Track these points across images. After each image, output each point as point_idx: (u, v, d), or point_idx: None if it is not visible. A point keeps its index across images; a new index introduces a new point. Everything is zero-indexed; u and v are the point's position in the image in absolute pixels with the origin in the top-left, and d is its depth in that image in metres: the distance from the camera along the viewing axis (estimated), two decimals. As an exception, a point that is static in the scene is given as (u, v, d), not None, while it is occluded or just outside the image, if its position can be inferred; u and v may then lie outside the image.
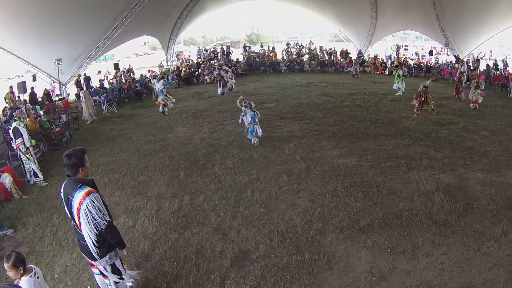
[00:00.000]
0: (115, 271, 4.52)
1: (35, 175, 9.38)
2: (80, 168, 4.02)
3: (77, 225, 4.11)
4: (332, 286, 5.05)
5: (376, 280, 5.11)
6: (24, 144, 9.25)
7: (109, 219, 4.13)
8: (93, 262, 4.39)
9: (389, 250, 5.74)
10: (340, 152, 10.18)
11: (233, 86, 20.72)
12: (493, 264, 5.31)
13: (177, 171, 9.50)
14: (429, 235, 6.09)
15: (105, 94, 19.21)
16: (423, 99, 13.63)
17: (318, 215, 6.87)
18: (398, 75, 19.15)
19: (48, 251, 6.26)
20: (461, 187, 7.84)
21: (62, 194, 4.17)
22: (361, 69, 27.95)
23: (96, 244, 4.13)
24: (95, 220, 3.99)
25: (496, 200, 7.17)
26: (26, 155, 9.28)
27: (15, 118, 9.82)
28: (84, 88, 20.56)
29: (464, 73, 21.60)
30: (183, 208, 7.49)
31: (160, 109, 16.10)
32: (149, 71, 29.32)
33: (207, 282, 5.26)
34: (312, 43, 39.51)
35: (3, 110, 16.03)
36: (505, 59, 29.87)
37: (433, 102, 13.82)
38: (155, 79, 19.14)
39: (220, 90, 20.08)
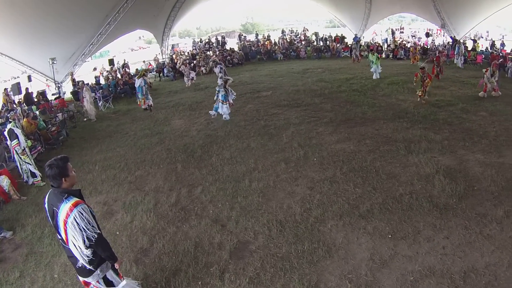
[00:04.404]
0: (108, 283, 4.20)
1: (33, 175, 9.31)
2: (63, 178, 3.73)
3: (63, 239, 3.82)
4: (332, 274, 4.98)
5: (377, 267, 5.04)
6: (20, 145, 9.18)
7: (98, 231, 3.85)
8: (86, 279, 4.06)
9: (389, 236, 5.67)
10: (338, 138, 10.08)
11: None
12: (495, 247, 5.23)
13: (174, 164, 9.43)
14: (430, 219, 6.00)
15: (100, 90, 19.11)
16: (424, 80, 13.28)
17: (317, 202, 6.80)
18: (373, 59, 19.14)
19: (47, 251, 6.20)
20: (461, 169, 7.74)
21: (46, 206, 3.86)
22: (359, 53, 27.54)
23: (86, 257, 3.83)
24: (85, 232, 3.70)
25: (497, 181, 7.07)
26: (22, 156, 9.21)
27: (10, 120, 9.73)
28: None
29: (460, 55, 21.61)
30: (181, 201, 7.43)
31: (143, 106, 15.88)
32: (144, 61, 29.32)
33: (206, 275, 5.20)
34: (307, 30, 39.32)
35: (0, 112, 15.95)
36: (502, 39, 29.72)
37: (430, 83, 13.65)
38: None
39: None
